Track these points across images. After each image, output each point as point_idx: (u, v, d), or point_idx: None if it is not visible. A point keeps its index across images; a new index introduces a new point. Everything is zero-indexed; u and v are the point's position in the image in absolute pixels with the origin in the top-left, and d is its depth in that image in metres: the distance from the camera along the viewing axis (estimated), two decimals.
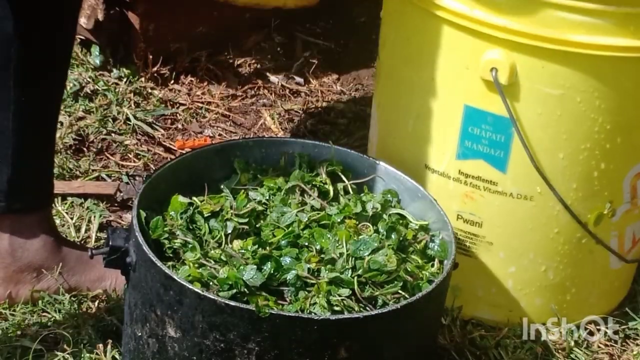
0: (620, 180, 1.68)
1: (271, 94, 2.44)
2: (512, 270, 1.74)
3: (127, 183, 2.05)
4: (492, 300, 1.76)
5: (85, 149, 2.15)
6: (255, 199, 1.56)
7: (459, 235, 1.72)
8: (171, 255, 1.47)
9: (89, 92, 2.28)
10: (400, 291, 1.44)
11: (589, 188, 1.67)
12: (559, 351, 1.75)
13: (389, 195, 1.61)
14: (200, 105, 2.35)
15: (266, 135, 2.29)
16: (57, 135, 1.91)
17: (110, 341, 1.62)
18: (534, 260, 1.72)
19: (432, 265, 1.52)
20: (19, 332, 1.64)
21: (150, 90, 2.34)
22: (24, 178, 1.62)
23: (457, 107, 1.64)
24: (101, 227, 1.91)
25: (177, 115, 2.31)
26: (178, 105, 2.34)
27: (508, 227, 1.70)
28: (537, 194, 1.66)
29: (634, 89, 1.60)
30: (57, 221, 1.84)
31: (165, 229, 1.49)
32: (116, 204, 2.00)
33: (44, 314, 1.68)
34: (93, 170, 2.08)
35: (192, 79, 2.41)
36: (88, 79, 2.30)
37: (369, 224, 1.54)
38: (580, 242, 1.71)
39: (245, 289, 1.39)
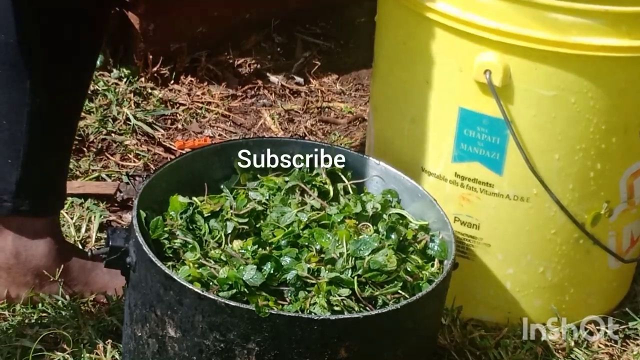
0: (617, 180, 1.68)
1: (271, 94, 2.44)
2: (510, 272, 1.74)
3: (127, 183, 2.05)
4: (490, 302, 1.76)
5: (85, 149, 2.15)
6: (255, 199, 1.57)
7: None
8: (171, 255, 1.47)
9: (89, 92, 2.28)
10: (400, 291, 1.44)
11: (585, 189, 1.67)
12: (559, 351, 1.75)
13: (389, 195, 1.61)
14: (200, 105, 2.35)
15: (266, 135, 2.29)
16: None
17: (110, 341, 1.63)
18: (532, 261, 1.72)
19: (432, 265, 1.52)
20: (19, 332, 1.64)
21: (150, 91, 2.34)
22: (34, 181, 1.61)
23: (452, 110, 1.64)
24: (101, 227, 1.91)
25: (177, 115, 2.31)
26: (178, 105, 2.34)
27: (505, 228, 1.70)
28: (533, 196, 1.66)
29: (627, 89, 1.60)
30: None
31: (165, 229, 1.49)
32: (116, 204, 2.00)
33: (44, 314, 1.68)
34: (93, 170, 2.08)
35: (192, 79, 2.41)
36: None
37: (369, 224, 1.54)
38: (578, 242, 1.71)
39: (245, 289, 1.39)
